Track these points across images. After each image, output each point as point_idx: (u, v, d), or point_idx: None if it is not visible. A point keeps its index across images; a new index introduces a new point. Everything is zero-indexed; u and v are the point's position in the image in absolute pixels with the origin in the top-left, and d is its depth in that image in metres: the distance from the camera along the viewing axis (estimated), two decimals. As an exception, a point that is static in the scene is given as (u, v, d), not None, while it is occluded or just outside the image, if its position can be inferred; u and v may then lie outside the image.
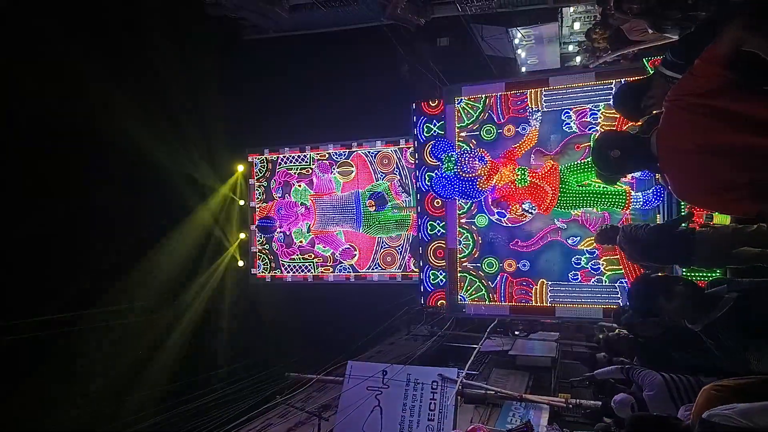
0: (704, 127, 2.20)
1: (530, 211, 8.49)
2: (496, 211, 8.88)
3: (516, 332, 10.31)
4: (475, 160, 8.30)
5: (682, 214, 5.49)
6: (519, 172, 8.45)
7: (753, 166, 2.12)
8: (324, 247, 11.24)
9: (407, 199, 10.41)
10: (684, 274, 7.13)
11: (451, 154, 8.63)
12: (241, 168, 12.15)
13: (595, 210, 8.18)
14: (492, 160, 8.53)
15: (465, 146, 9.13)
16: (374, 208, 10.39)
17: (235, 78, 11.16)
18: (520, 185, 8.40)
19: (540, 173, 8.31)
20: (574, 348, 10.00)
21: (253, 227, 11.83)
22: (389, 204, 10.49)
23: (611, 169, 3.32)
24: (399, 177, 10.63)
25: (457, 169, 8.43)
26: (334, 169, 11.14)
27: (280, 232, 11.52)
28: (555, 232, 8.58)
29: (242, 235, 12.23)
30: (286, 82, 11.46)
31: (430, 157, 9.30)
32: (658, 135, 2.44)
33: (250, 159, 11.93)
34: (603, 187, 8.01)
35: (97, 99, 9.31)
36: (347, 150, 11.21)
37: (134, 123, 10.02)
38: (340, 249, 11.07)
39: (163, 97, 10.31)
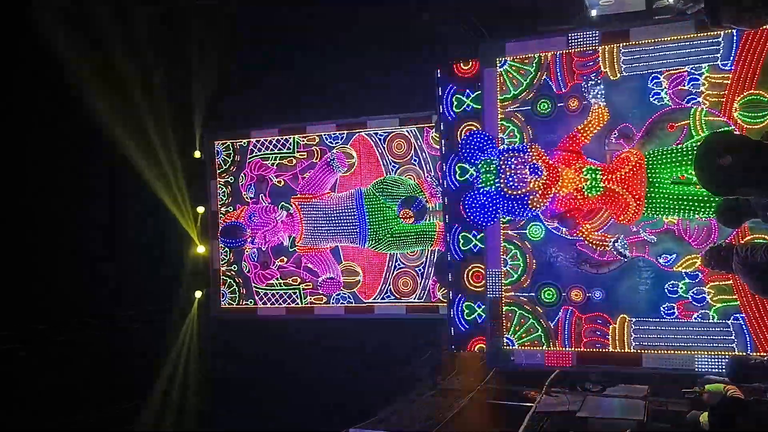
0: None
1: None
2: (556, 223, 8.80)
3: (587, 386, 10.28)
4: (526, 169, 8.10)
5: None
6: (588, 176, 8.22)
7: None
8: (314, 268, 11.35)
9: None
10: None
11: (491, 160, 8.46)
12: (198, 154, 12.27)
13: (697, 216, 7.96)
14: (549, 161, 8.30)
15: (511, 127, 9.05)
16: (412, 220, 10.40)
17: (186, 40, 11.35)
18: (590, 194, 8.21)
19: (618, 175, 8.09)
20: (670, 407, 9.95)
21: (218, 241, 11.96)
22: (429, 210, 10.53)
23: (716, 180, 3.32)
24: (425, 168, 10.72)
25: (500, 182, 8.20)
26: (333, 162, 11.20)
27: (253, 247, 11.61)
28: (641, 248, 8.49)
29: (201, 249, 12.32)
30: (258, 41, 11.47)
31: (463, 160, 9.09)
32: None
33: (215, 147, 12.08)
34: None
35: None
36: (346, 131, 11.22)
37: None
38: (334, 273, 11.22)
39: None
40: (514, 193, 8.09)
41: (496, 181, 8.20)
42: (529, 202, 8.10)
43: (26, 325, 10.85)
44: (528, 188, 8.07)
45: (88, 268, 11.89)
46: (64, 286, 11.16)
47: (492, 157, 8.38)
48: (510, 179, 8.05)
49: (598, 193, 8.19)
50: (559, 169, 8.24)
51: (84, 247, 11.97)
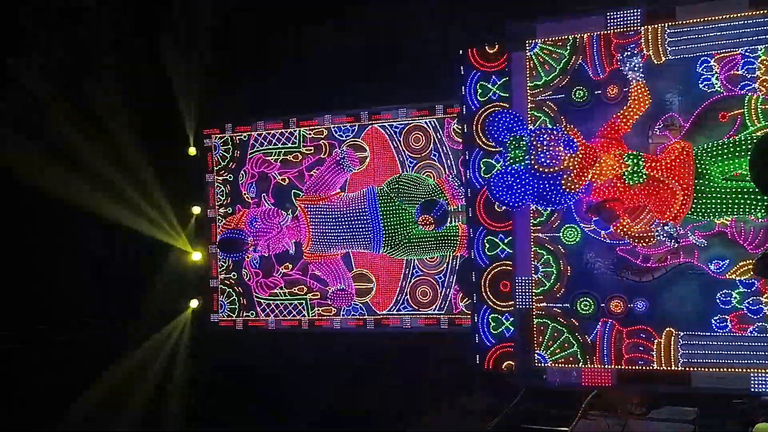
0: None
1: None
2: (593, 220, 8.60)
3: (629, 408, 10.21)
4: (559, 146, 7.88)
5: None
6: (629, 161, 7.95)
7: None
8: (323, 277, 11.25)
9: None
10: None
11: (521, 137, 8.26)
12: (193, 150, 12.24)
13: (752, 217, 7.92)
14: (585, 142, 8.02)
15: (542, 117, 8.94)
16: (433, 227, 10.13)
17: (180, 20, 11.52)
18: (631, 182, 7.92)
19: (663, 162, 7.86)
20: (726, 429, 9.88)
21: (214, 246, 11.93)
22: (450, 212, 10.35)
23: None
24: (446, 164, 10.66)
25: (530, 159, 7.80)
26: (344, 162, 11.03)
27: (254, 253, 11.48)
28: (689, 252, 8.35)
29: (196, 256, 12.26)
30: (260, 23, 11.45)
31: (487, 138, 8.90)
32: None
33: (212, 142, 12.05)
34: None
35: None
36: (357, 123, 11.14)
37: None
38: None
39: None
40: (546, 170, 7.76)
41: (526, 157, 7.87)
42: (563, 182, 7.77)
43: (26, 325, 11.52)
44: (561, 166, 7.74)
45: (88, 268, 12.39)
46: (64, 286, 11.73)
47: (521, 133, 8.11)
48: (541, 156, 7.72)
49: (641, 181, 7.92)
50: (597, 152, 8.00)
51: (84, 247, 12.37)
